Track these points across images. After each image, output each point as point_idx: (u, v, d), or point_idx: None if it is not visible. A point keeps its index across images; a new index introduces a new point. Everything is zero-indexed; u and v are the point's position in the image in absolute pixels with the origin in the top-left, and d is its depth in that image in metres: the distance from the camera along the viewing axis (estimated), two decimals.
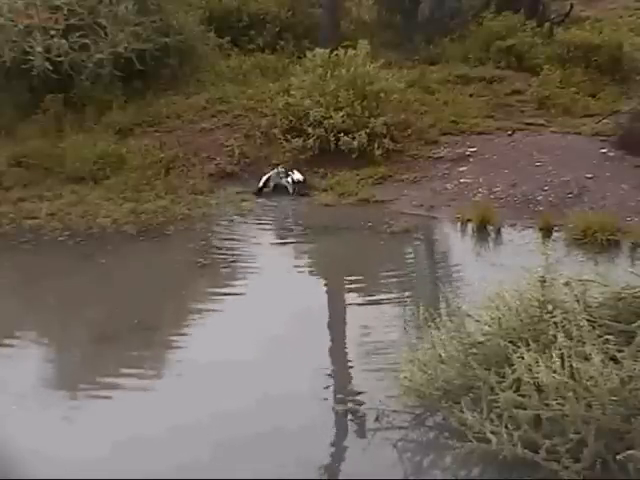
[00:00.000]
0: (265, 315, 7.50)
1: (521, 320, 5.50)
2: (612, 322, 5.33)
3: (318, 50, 12.55)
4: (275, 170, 11.46)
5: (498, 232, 9.76)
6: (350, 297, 8.73)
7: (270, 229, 10.50)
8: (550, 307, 5.46)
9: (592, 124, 12.37)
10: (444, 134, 12.40)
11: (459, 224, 10.04)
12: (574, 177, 10.81)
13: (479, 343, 5.53)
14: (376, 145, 11.60)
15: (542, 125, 12.68)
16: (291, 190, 11.26)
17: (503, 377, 5.17)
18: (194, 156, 11.99)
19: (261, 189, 11.32)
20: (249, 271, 9.10)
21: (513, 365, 5.12)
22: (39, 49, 12.14)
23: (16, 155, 11.80)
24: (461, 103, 13.23)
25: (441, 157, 11.79)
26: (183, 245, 9.90)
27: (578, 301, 5.44)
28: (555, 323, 5.29)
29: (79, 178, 11.43)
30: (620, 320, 5.37)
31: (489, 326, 5.62)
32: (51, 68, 12.16)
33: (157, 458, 5.54)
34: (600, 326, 5.24)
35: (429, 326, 5.84)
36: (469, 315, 5.75)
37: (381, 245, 9.78)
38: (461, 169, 11.41)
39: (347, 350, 7.36)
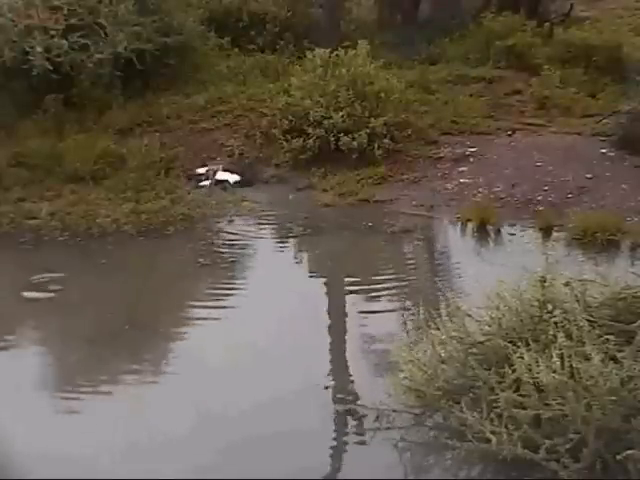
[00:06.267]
0: (265, 315, 7.51)
1: (521, 320, 5.50)
2: (612, 322, 5.33)
3: (318, 50, 12.53)
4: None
5: (498, 232, 9.77)
6: (350, 297, 8.73)
7: (270, 229, 10.50)
8: (550, 307, 5.46)
9: (592, 124, 12.36)
10: (444, 134, 12.39)
11: (459, 224, 10.04)
12: (574, 177, 10.81)
13: (479, 343, 5.53)
14: (376, 145, 11.60)
15: (542, 125, 12.66)
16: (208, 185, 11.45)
17: (503, 377, 5.17)
18: (194, 156, 11.99)
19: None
20: (249, 271, 9.12)
21: (513, 365, 5.12)
22: (39, 49, 12.13)
23: (16, 155, 11.79)
24: (461, 103, 13.22)
25: (441, 157, 11.78)
26: (183, 245, 9.91)
27: (578, 301, 5.44)
28: (555, 323, 5.29)
29: (79, 178, 11.42)
30: (620, 320, 5.37)
31: (489, 326, 5.62)
32: (51, 68, 12.14)
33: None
34: (600, 326, 5.24)
35: (429, 326, 5.84)
36: (469, 315, 5.74)
37: (381, 245, 9.79)
38: (461, 169, 11.41)
39: (347, 350, 7.36)
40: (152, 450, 5.64)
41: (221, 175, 11.48)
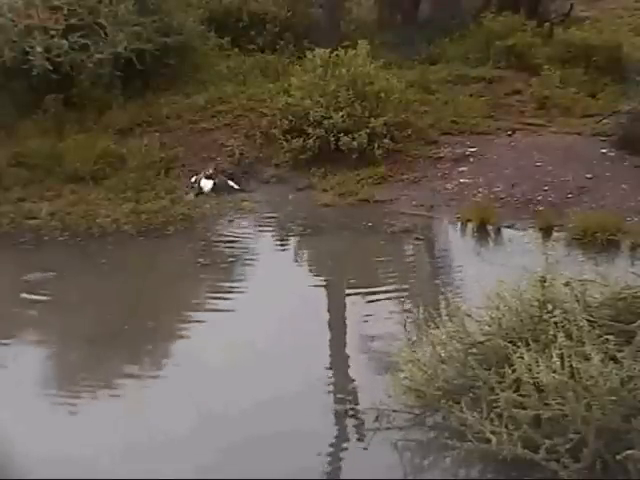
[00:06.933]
0: (265, 315, 7.51)
1: (521, 320, 5.50)
2: (612, 322, 5.33)
3: (318, 50, 12.53)
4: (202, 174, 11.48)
5: (498, 232, 9.77)
6: (350, 297, 8.73)
7: (270, 229, 10.50)
8: (550, 307, 5.46)
9: (592, 124, 12.36)
10: (444, 134, 12.38)
11: (459, 224, 10.04)
12: (574, 177, 10.81)
13: (479, 343, 5.53)
14: (376, 145, 11.59)
15: (542, 125, 12.66)
16: (205, 190, 11.26)
17: (503, 377, 5.17)
18: (194, 156, 11.99)
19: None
20: (249, 271, 9.11)
21: (513, 365, 5.12)
22: (39, 49, 12.12)
23: (16, 155, 11.79)
24: (461, 103, 13.21)
25: (441, 157, 11.78)
26: (183, 245, 9.91)
27: (578, 301, 5.44)
28: (555, 323, 5.29)
29: (79, 178, 11.42)
30: (620, 320, 5.37)
31: (489, 326, 5.62)
32: (51, 68, 12.14)
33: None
34: (600, 326, 5.24)
35: (429, 326, 5.84)
36: (469, 315, 5.74)
37: (381, 245, 9.78)
38: (461, 169, 11.41)
39: (347, 350, 7.36)
40: (152, 450, 5.64)
41: (205, 183, 11.39)
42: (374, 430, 5.66)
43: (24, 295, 8.45)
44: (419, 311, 6.11)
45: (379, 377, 6.28)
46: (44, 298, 8.42)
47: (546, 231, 9.57)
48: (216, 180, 11.35)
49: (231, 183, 11.46)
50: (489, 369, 5.28)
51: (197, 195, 11.23)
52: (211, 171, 11.47)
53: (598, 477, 4.79)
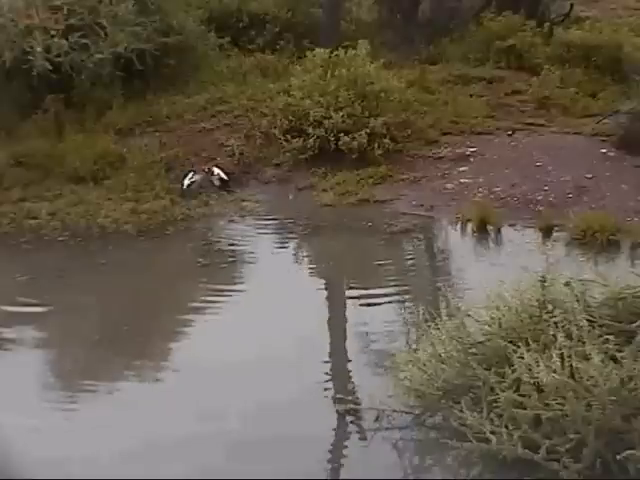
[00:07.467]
0: (265, 316, 7.50)
1: (521, 320, 5.50)
2: (612, 322, 5.33)
3: (318, 50, 12.54)
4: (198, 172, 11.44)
5: (498, 232, 9.77)
6: (350, 297, 8.73)
7: (270, 229, 10.50)
8: (550, 307, 5.46)
9: (592, 124, 12.37)
10: (444, 134, 12.39)
11: (459, 224, 10.04)
12: (574, 177, 10.81)
13: (479, 343, 5.53)
14: (376, 145, 11.60)
15: (542, 125, 12.67)
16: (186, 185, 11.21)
17: (503, 377, 5.17)
18: (194, 156, 11.99)
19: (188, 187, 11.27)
20: (249, 271, 9.11)
21: (513, 365, 5.12)
22: (39, 49, 12.14)
23: (16, 155, 11.81)
24: (461, 103, 13.22)
25: (441, 157, 11.78)
26: (183, 245, 9.91)
27: (578, 301, 5.44)
28: (555, 323, 5.29)
29: (79, 178, 11.44)
30: (620, 320, 5.37)
31: (489, 326, 5.62)
32: (51, 68, 12.16)
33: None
34: (600, 326, 5.24)
35: (429, 326, 5.84)
36: (469, 315, 5.74)
37: (381, 245, 9.78)
38: (461, 169, 11.41)
39: (347, 350, 7.36)
40: (151, 450, 5.64)
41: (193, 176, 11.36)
42: (374, 430, 5.67)
43: (23, 297, 8.46)
44: (419, 311, 6.11)
45: (379, 377, 6.28)
46: (43, 297, 8.42)
47: (546, 231, 9.57)
48: (208, 174, 11.33)
49: (222, 175, 11.38)
50: (489, 369, 5.28)
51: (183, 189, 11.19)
52: (206, 169, 11.48)
53: (598, 477, 4.79)
